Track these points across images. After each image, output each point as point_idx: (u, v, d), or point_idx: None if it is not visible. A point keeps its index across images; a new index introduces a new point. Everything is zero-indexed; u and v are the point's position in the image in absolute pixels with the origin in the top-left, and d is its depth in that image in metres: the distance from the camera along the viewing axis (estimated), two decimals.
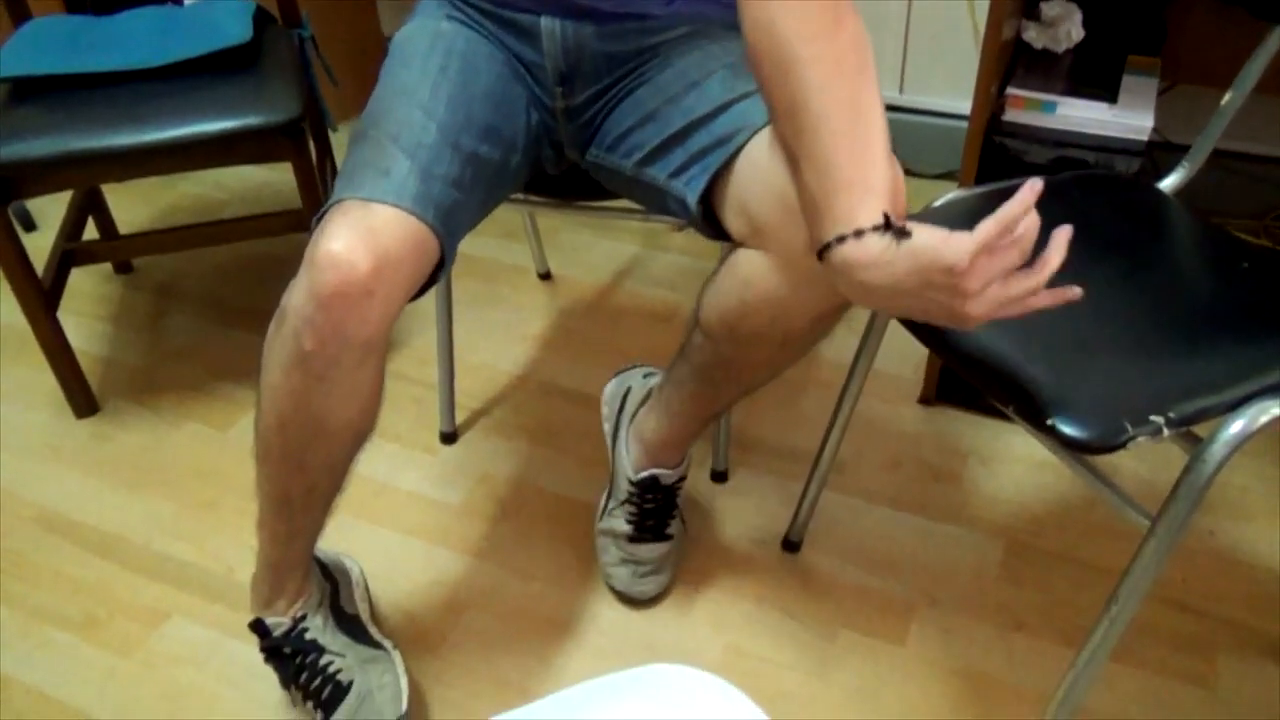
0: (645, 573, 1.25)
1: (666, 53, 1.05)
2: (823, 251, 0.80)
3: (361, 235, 0.87)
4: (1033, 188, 0.72)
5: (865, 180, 0.78)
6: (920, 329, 0.96)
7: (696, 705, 0.38)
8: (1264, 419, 0.82)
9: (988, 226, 0.72)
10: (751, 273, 0.93)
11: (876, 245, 0.76)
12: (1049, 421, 0.83)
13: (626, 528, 1.24)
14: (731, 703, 0.38)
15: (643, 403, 1.24)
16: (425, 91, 1.01)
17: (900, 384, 1.56)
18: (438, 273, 0.97)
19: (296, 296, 0.89)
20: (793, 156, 0.84)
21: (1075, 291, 0.77)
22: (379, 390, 0.99)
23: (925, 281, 0.74)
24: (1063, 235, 0.75)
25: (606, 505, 1.29)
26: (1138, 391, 0.85)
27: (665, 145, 1.02)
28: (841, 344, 1.64)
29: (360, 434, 1.00)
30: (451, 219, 0.96)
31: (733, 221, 0.96)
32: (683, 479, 1.23)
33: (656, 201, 1.07)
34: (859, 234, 0.76)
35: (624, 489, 1.23)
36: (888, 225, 0.76)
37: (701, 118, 0.99)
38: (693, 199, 0.98)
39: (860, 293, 0.79)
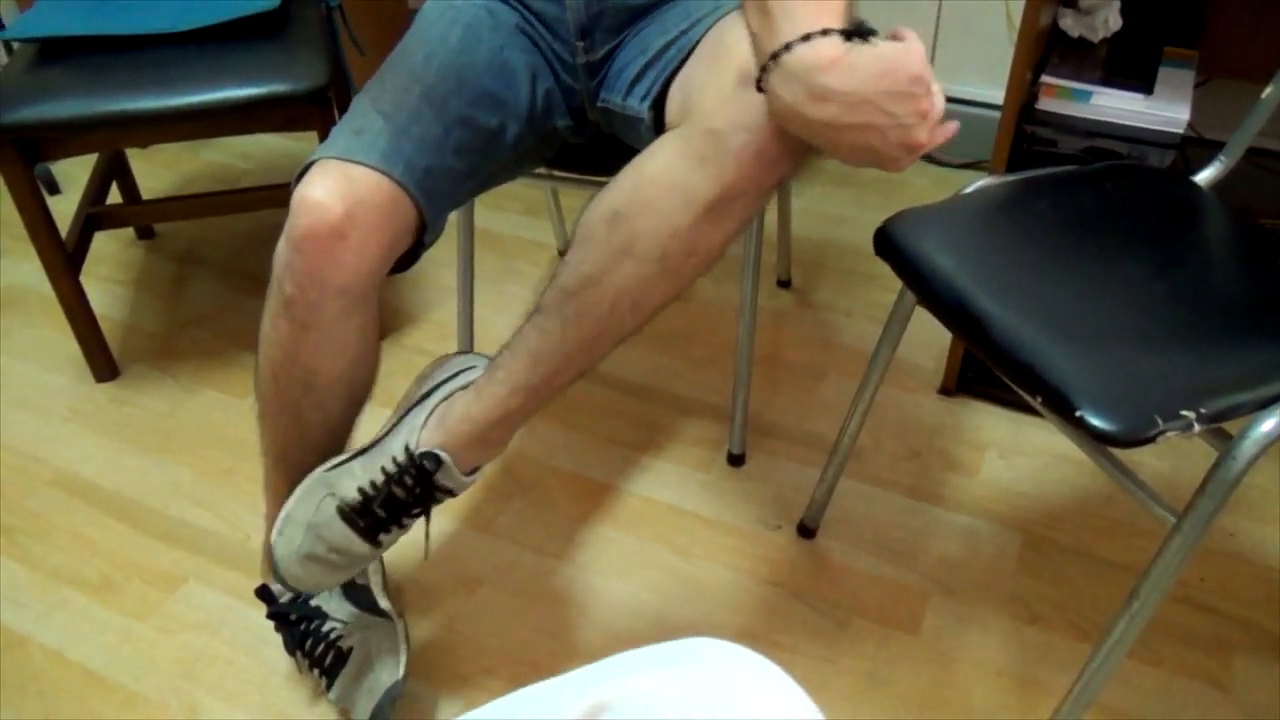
0: (318, 560, 0.96)
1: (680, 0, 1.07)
2: (776, 58, 0.74)
3: (337, 182, 0.91)
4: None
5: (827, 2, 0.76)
6: (950, 315, 0.95)
7: (739, 682, 0.37)
8: None
9: (912, 36, 0.73)
10: (655, 149, 0.86)
11: (838, 46, 0.73)
12: (1078, 413, 0.81)
13: (352, 498, 0.94)
14: (773, 680, 0.38)
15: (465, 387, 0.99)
16: (419, 59, 1.04)
17: (921, 373, 1.55)
18: (424, 237, 0.99)
19: (280, 246, 0.93)
20: None
21: (954, 127, 0.77)
22: (371, 350, 1.00)
23: (888, 90, 0.71)
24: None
25: (345, 461, 0.97)
26: (1168, 386, 0.84)
27: (644, 70, 1.04)
28: (863, 331, 1.63)
29: (354, 391, 1.01)
30: (429, 179, 0.97)
31: (670, 108, 0.98)
32: (452, 494, 0.96)
33: (644, 140, 1.02)
34: (825, 33, 0.73)
35: (388, 455, 0.95)
36: (856, 30, 0.74)
37: (675, 36, 1.01)
38: (640, 103, 1.00)
39: (814, 102, 0.73)
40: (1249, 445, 0.81)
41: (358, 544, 0.95)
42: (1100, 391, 0.83)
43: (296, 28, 1.49)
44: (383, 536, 0.96)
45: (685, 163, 0.83)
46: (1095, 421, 0.81)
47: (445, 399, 0.97)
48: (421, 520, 0.98)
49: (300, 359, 0.95)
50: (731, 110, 0.82)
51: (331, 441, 1.03)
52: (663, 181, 0.84)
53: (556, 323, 0.90)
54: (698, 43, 1.00)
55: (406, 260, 1.01)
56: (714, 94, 0.87)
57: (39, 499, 1.39)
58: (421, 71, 1.02)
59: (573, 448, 1.45)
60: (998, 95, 1.29)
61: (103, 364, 1.59)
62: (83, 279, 1.53)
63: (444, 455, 0.92)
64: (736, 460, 1.42)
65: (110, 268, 1.85)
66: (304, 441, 1.01)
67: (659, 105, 1.02)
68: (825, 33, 0.73)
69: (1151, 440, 0.80)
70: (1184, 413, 0.80)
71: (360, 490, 0.94)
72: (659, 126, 1.00)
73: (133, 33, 1.41)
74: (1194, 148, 1.69)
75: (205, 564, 1.29)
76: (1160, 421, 0.80)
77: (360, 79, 1.70)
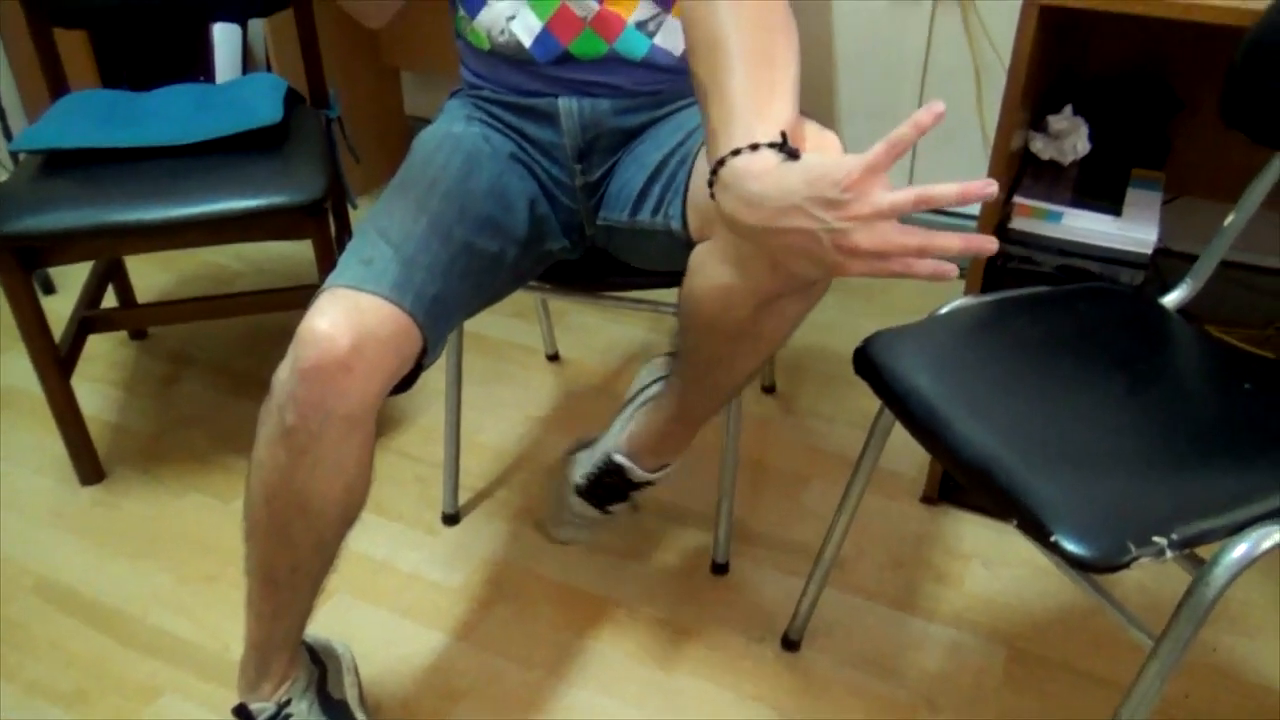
0: (568, 520, 1.34)
1: (673, 115, 1.13)
2: (716, 171, 0.80)
3: (346, 313, 0.92)
4: (930, 110, 0.69)
5: (767, 112, 0.81)
6: (927, 437, 0.98)
7: None
8: (1266, 544, 0.83)
9: (877, 148, 0.72)
10: (698, 263, 0.97)
11: (771, 159, 0.77)
12: (1053, 538, 0.83)
13: (580, 481, 1.26)
14: None
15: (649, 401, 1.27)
16: (423, 187, 1.07)
17: (903, 481, 1.56)
18: (423, 360, 1.00)
19: (282, 372, 0.93)
20: (704, 94, 0.86)
21: (951, 269, 0.73)
22: (366, 470, 1.00)
23: (814, 197, 0.73)
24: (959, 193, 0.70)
25: (584, 448, 1.30)
26: (1141, 510, 0.86)
27: (647, 185, 1.09)
28: (846, 437, 1.65)
29: (347, 513, 1.01)
30: (436, 306, 0.99)
31: (692, 221, 1.03)
32: (648, 484, 1.23)
33: (657, 249, 1.11)
34: (754, 148, 0.78)
35: (600, 455, 1.24)
36: (784, 146, 0.78)
37: (673, 148, 1.07)
38: (676, 223, 1.04)
39: (747, 208, 0.77)
40: (1221, 571, 0.82)
41: (593, 512, 1.29)
42: (1075, 516, 0.84)
43: (296, 139, 1.54)
44: (610, 507, 1.27)
45: (736, 275, 0.91)
46: (1070, 547, 0.82)
47: (640, 406, 1.23)
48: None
49: (296, 482, 0.95)
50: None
51: (321, 560, 1.03)
52: (718, 285, 0.94)
53: (677, 380, 1.12)
54: (696, 152, 1.05)
55: (405, 382, 1.02)
56: None
57: (19, 607, 1.38)
58: (426, 199, 1.05)
59: (558, 554, 1.45)
60: (975, 206, 1.33)
61: (89, 467, 1.59)
62: (73, 380, 1.54)
63: (625, 461, 1.20)
64: (720, 569, 1.42)
65: (102, 368, 1.87)
66: (294, 562, 1.00)
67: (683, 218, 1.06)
68: (755, 147, 0.78)
69: (1126, 566, 0.81)
70: (1156, 539, 0.82)
71: (585, 476, 1.25)
72: (689, 240, 1.04)
73: (138, 144, 1.45)
74: (1164, 258, 1.75)
75: (183, 676, 1.28)
76: (1133, 547, 0.81)
77: (356, 184, 1.76)
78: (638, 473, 1.20)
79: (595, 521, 1.32)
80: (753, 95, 0.82)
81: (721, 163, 0.79)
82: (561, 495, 1.33)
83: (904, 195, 0.71)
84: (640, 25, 1.08)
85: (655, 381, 1.26)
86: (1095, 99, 1.56)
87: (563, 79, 1.11)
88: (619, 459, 1.20)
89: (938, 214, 2.02)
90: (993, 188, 0.68)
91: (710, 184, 0.82)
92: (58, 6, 1.58)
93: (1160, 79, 1.64)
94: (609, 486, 1.23)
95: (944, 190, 0.70)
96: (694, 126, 1.09)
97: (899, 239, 0.72)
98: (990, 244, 0.72)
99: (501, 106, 1.16)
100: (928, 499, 1.52)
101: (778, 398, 1.76)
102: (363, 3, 1.04)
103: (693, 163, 1.05)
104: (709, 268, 0.95)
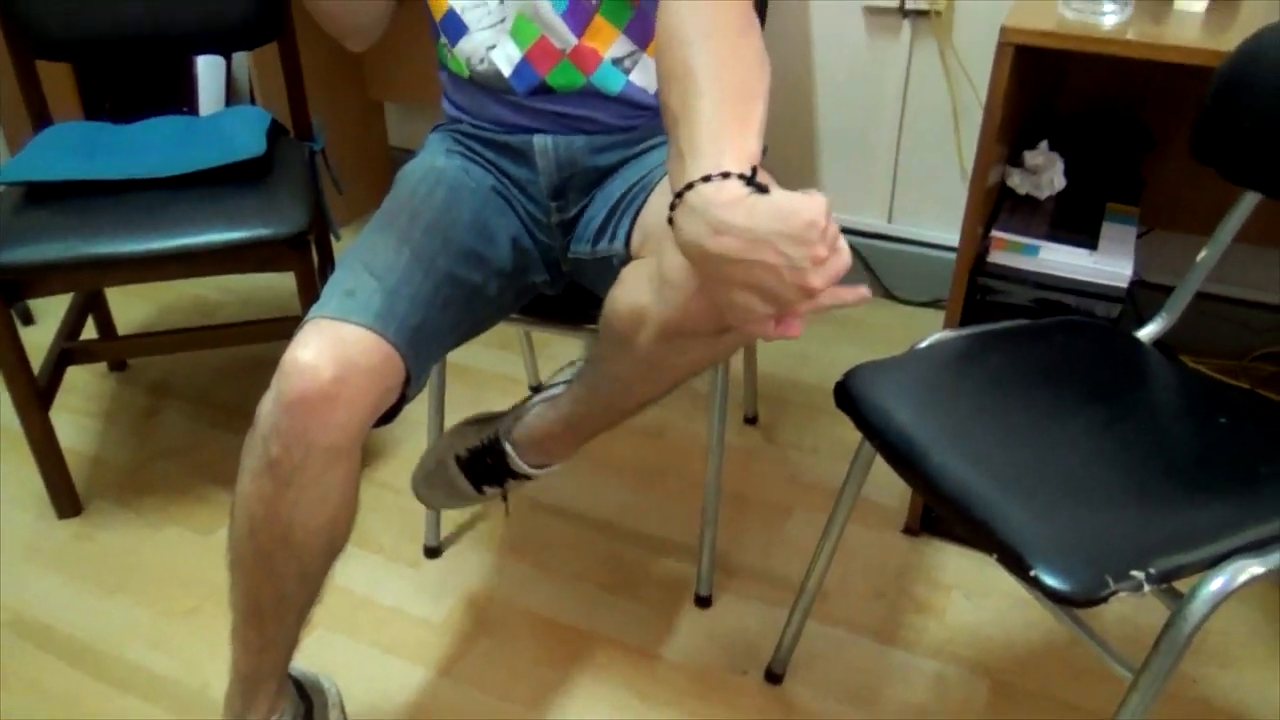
0: (438, 484, 1.30)
1: (645, 154, 1.15)
2: (681, 195, 0.79)
3: (329, 344, 0.92)
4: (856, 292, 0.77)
5: (738, 143, 0.81)
6: (907, 470, 0.98)
7: None
8: (1242, 577, 0.84)
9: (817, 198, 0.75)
10: (625, 276, 0.97)
11: (740, 189, 0.77)
12: (1032, 572, 0.84)
13: (463, 452, 1.26)
14: None
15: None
16: (406, 219, 1.08)
17: (885, 512, 1.57)
18: (407, 391, 1.00)
19: (265, 403, 0.93)
20: (674, 120, 0.86)
21: (864, 292, 0.78)
22: (351, 501, 1.00)
23: (784, 232, 0.74)
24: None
25: (481, 422, 1.29)
26: (1118, 544, 0.87)
27: (607, 217, 1.11)
28: (828, 468, 1.66)
29: (333, 544, 1.01)
30: (419, 336, 0.99)
31: (635, 238, 1.05)
32: (526, 477, 1.23)
33: (614, 276, 1.09)
34: (725, 175, 0.78)
35: (489, 432, 1.24)
36: (752, 179, 0.79)
37: (635, 181, 1.09)
38: (620, 243, 1.07)
39: (713, 235, 0.76)
40: (1198, 605, 0.83)
41: (465, 486, 1.27)
42: (1053, 550, 0.85)
43: (280, 171, 1.54)
44: (485, 488, 1.26)
45: (655, 296, 0.91)
46: (1050, 581, 0.83)
47: (542, 400, 1.21)
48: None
49: (281, 514, 0.95)
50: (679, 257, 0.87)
51: (307, 591, 1.02)
52: (635, 304, 0.93)
53: (579, 386, 1.14)
54: (657, 182, 1.07)
55: (389, 413, 1.02)
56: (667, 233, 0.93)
57: None
58: (409, 231, 1.06)
59: (540, 586, 1.45)
60: (954, 238, 1.35)
61: (66, 500, 1.57)
62: (51, 411, 1.53)
63: (508, 447, 1.20)
64: (704, 602, 1.42)
65: (80, 399, 1.85)
66: (279, 593, 1.00)
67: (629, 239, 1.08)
68: (726, 175, 0.78)
69: (1104, 600, 0.82)
70: (1134, 573, 0.83)
71: (469, 449, 1.24)
72: (629, 258, 1.05)
73: (121, 177, 1.45)
74: (1141, 289, 1.78)
75: (160, 713, 1.26)
76: (1111, 581, 0.82)
77: (339, 215, 1.76)
78: (518, 462, 1.20)
79: (463, 496, 1.29)
80: (724, 124, 0.82)
81: (690, 186, 0.79)
82: (442, 457, 1.30)
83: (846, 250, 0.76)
84: (616, 61, 1.10)
85: (565, 382, 1.23)
86: (1070, 135, 1.59)
87: (540, 110, 1.12)
88: (504, 443, 1.20)
89: (909, 243, 2.05)
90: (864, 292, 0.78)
91: (672, 207, 0.81)
92: (42, 39, 1.58)
93: (1133, 116, 1.67)
94: (489, 467, 1.23)
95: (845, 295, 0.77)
96: (659, 163, 1.11)
97: (855, 295, 0.78)
98: (863, 292, 0.78)
99: (480, 142, 1.18)
100: (910, 530, 1.53)
101: (760, 428, 1.77)
102: (344, 22, 1.06)
103: (651, 191, 1.07)
104: (630, 283, 0.95)
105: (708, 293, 0.83)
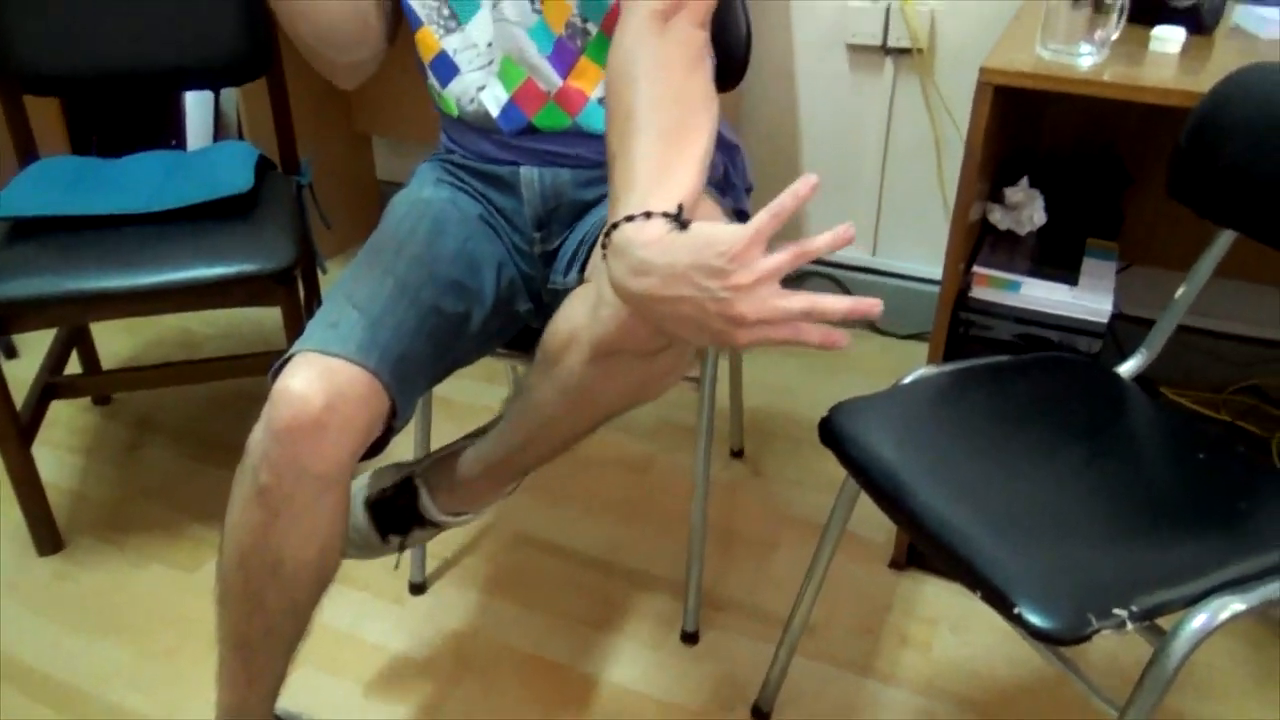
0: (351, 529, 1.15)
1: None
2: (608, 235, 0.81)
3: (318, 374, 0.93)
4: (806, 182, 0.74)
5: (668, 183, 0.82)
6: (891, 507, 0.99)
7: None
8: (1224, 614, 0.84)
9: (761, 216, 0.74)
10: (566, 300, 0.97)
11: (661, 228, 0.78)
12: (1016, 610, 0.84)
13: (372, 493, 1.15)
14: None
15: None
16: (390, 251, 1.09)
17: (871, 546, 1.57)
18: (394, 423, 1.01)
19: (256, 433, 0.94)
20: (612, 160, 0.88)
21: (841, 336, 0.74)
22: (340, 533, 1.00)
23: (699, 265, 0.74)
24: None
25: (402, 465, 1.18)
26: (1101, 581, 0.87)
27: (577, 248, 1.12)
28: (814, 501, 1.66)
29: (321, 575, 1.01)
30: (402, 366, 1.00)
31: (589, 268, 1.05)
32: (435, 525, 1.15)
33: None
34: (648, 215, 0.79)
35: (403, 472, 1.16)
36: (677, 216, 0.80)
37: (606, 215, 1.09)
38: (574, 275, 1.08)
39: (634, 275, 0.78)
40: (1181, 643, 0.83)
41: (369, 530, 1.15)
42: (1036, 588, 0.85)
43: (267, 206, 1.54)
44: (390, 536, 1.15)
45: (589, 320, 0.91)
46: (1033, 619, 0.83)
47: (468, 438, 1.16)
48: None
49: (271, 544, 0.95)
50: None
51: (295, 624, 1.02)
52: (570, 326, 0.93)
53: (504, 421, 1.10)
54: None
55: (376, 446, 1.02)
56: None
57: None
58: (393, 263, 1.07)
59: (526, 623, 1.44)
60: (937, 272, 1.36)
61: (47, 537, 1.56)
62: (34, 447, 1.52)
63: (420, 487, 1.13)
64: (690, 638, 1.42)
65: (63, 434, 1.84)
66: (267, 626, 0.99)
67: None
68: (649, 215, 0.80)
69: (1087, 638, 0.82)
70: (1116, 611, 0.83)
71: (380, 490, 1.15)
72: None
73: (107, 212, 1.45)
74: (1121, 322, 1.79)
75: None
76: (1094, 620, 0.82)
77: (327, 248, 1.77)
78: (429, 505, 1.13)
79: (366, 544, 1.16)
80: (655, 165, 0.84)
81: (615, 227, 0.81)
82: (355, 502, 1.17)
83: (781, 256, 0.74)
84: (602, 101, 1.11)
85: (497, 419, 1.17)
86: (1050, 172, 1.61)
87: (527, 149, 1.14)
88: (417, 481, 1.14)
89: (893, 276, 2.07)
90: (851, 231, 0.73)
91: (604, 247, 0.83)
92: (30, 74, 1.58)
93: (1111, 154, 1.70)
94: (399, 509, 1.14)
95: (818, 241, 0.74)
96: None
97: (782, 304, 0.74)
98: (875, 307, 0.73)
99: (469, 172, 1.19)
100: (896, 564, 1.53)
101: (746, 462, 1.77)
102: (332, 60, 1.07)
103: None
104: (569, 308, 0.95)
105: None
